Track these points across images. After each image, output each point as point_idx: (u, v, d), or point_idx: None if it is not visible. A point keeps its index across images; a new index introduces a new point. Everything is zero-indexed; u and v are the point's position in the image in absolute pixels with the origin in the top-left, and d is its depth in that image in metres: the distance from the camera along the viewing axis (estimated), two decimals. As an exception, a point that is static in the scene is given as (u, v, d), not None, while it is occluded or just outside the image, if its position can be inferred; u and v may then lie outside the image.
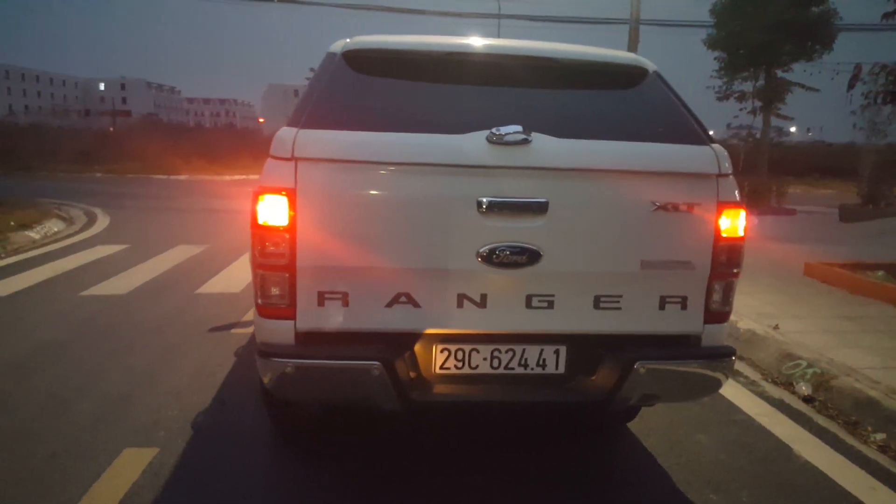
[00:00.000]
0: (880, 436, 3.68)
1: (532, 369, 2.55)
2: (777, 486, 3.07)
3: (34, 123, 36.44)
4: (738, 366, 4.93)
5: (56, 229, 10.61)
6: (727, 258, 2.51)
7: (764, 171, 18.11)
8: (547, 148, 2.39)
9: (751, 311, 6.02)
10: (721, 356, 2.56)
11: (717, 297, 2.55)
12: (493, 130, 2.35)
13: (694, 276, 2.52)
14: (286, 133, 2.35)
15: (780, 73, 19.01)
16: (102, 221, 11.79)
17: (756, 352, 5.15)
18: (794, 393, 4.35)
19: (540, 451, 3.37)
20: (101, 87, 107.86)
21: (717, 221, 2.47)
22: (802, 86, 19.34)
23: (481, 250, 2.37)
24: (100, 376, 4.16)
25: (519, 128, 2.35)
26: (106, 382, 4.05)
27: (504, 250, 2.37)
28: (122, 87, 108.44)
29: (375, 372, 2.32)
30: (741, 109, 19.96)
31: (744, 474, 3.18)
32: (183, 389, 3.95)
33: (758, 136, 20.55)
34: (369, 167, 2.35)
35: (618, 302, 2.51)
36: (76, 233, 10.49)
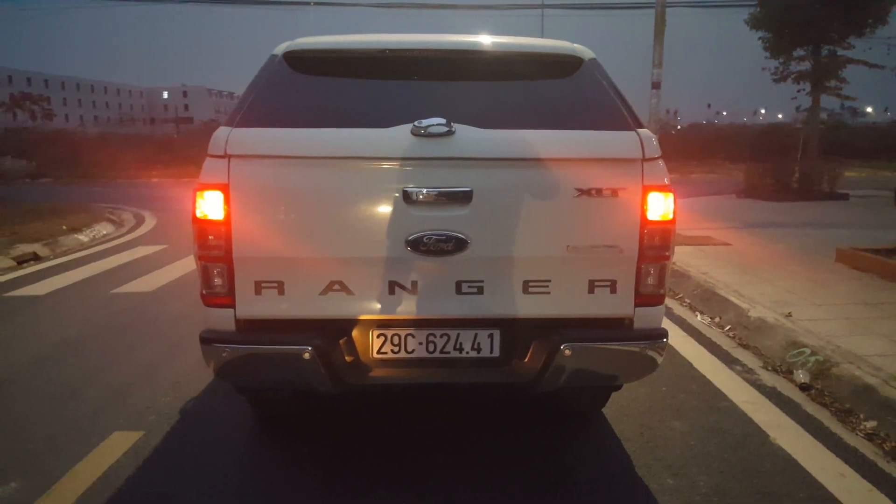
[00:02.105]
0: (871, 423, 3.56)
1: (468, 353, 2.61)
2: (739, 472, 3.03)
3: (101, 133, 38.35)
4: (739, 354, 4.83)
5: (105, 232, 11.20)
6: (656, 242, 2.50)
7: (814, 155, 17.26)
8: (470, 138, 2.45)
9: (767, 300, 5.86)
10: (649, 338, 2.57)
11: (649, 280, 2.55)
12: (417, 123, 2.42)
13: (622, 260, 2.53)
14: (221, 132, 2.48)
15: (838, 51, 18.02)
16: (149, 223, 12.38)
17: (762, 340, 5.02)
18: (792, 381, 4.24)
19: (505, 436, 3.43)
20: (165, 95, 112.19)
21: (643, 205, 2.47)
22: (865, 63, 18.28)
23: (409, 238, 2.45)
24: (108, 367, 4.44)
25: (442, 120, 2.42)
26: (112, 373, 4.32)
27: (431, 238, 2.44)
28: (184, 94, 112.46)
29: (307, 356, 2.43)
30: (799, 91, 19.06)
31: (708, 459, 3.15)
32: (181, 379, 4.18)
33: (825, 117, 19.51)
34: (298, 162, 2.46)
35: (546, 287, 2.55)
36: (123, 234, 11.06)
